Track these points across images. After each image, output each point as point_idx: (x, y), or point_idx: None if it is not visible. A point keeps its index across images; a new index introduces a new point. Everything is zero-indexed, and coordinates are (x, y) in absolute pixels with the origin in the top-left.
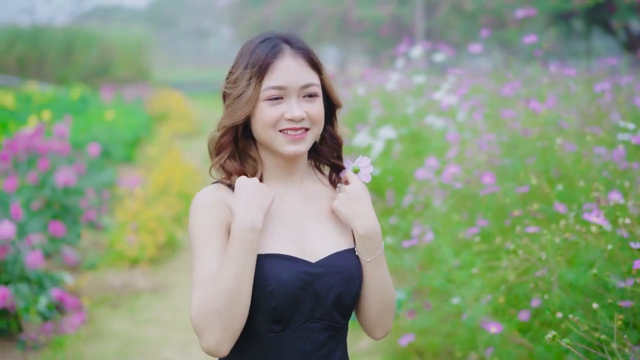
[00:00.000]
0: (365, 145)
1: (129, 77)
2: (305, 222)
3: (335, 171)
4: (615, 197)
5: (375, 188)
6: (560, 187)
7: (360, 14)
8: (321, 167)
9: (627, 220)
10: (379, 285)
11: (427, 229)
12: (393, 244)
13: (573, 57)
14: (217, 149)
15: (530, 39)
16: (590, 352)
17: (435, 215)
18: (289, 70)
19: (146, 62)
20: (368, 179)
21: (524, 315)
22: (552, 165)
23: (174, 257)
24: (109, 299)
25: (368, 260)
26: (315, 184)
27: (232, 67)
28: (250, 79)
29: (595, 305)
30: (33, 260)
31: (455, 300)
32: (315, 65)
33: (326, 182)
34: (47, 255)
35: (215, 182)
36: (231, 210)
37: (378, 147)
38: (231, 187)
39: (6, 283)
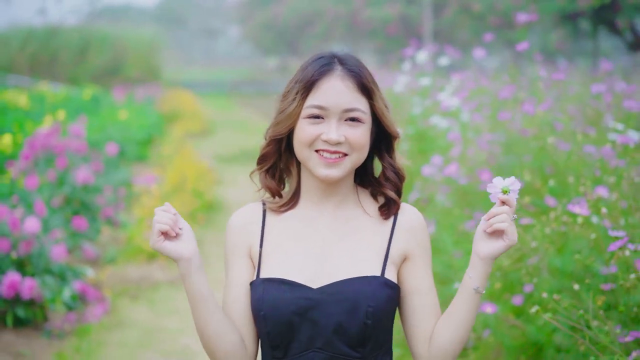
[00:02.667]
0: None
1: (139, 77)
2: (332, 244)
3: (389, 205)
4: (602, 191)
5: None
6: (552, 182)
7: (368, 14)
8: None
9: (604, 210)
10: (472, 319)
11: (431, 222)
12: None
13: (581, 57)
14: (259, 157)
15: (522, 45)
16: (575, 328)
17: (437, 209)
18: (334, 91)
19: (157, 62)
20: (514, 202)
21: (517, 300)
22: (546, 163)
23: None
24: (129, 290)
25: (482, 291)
26: (355, 209)
27: (290, 81)
28: (296, 94)
29: (576, 287)
30: (58, 253)
31: (456, 285)
32: (365, 90)
33: (370, 210)
34: (68, 251)
35: (258, 201)
36: None
37: None
38: (265, 205)
39: (31, 276)
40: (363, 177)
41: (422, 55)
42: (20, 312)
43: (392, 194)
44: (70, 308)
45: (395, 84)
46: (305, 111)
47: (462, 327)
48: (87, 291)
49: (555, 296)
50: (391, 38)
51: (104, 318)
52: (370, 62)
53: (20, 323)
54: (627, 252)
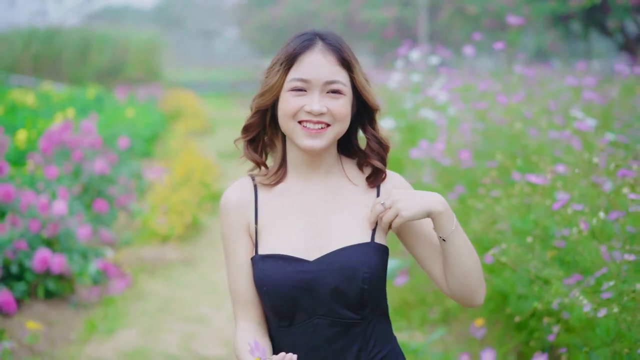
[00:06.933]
0: None
1: (140, 77)
2: (324, 215)
3: (376, 174)
4: (559, 168)
5: None
6: (519, 162)
7: (364, 16)
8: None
9: (550, 176)
10: (467, 250)
11: None
12: None
13: (575, 58)
14: (244, 127)
15: (499, 45)
16: (535, 275)
17: (423, 187)
18: (315, 64)
19: (157, 63)
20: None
21: (488, 259)
22: (516, 146)
23: (199, 236)
24: (146, 268)
25: (445, 237)
26: (341, 179)
27: (274, 57)
28: (279, 68)
29: (529, 239)
30: (83, 234)
31: None
32: (346, 64)
33: (356, 180)
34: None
35: (247, 176)
36: None
37: None
38: (254, 180)
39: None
40: (349, 148)
41: (416, 54)
42: (51, 284)
43: (377, 163)
44: (95, 282)
45: (389, 80)
46: (288, 84)
47: (457, 264)
48: (108, 268)
49: (513, 246)
50: (387, 40)
51: (126, 291)
52: (366, 63)
53: (49, 295)
54: (569, 211)
